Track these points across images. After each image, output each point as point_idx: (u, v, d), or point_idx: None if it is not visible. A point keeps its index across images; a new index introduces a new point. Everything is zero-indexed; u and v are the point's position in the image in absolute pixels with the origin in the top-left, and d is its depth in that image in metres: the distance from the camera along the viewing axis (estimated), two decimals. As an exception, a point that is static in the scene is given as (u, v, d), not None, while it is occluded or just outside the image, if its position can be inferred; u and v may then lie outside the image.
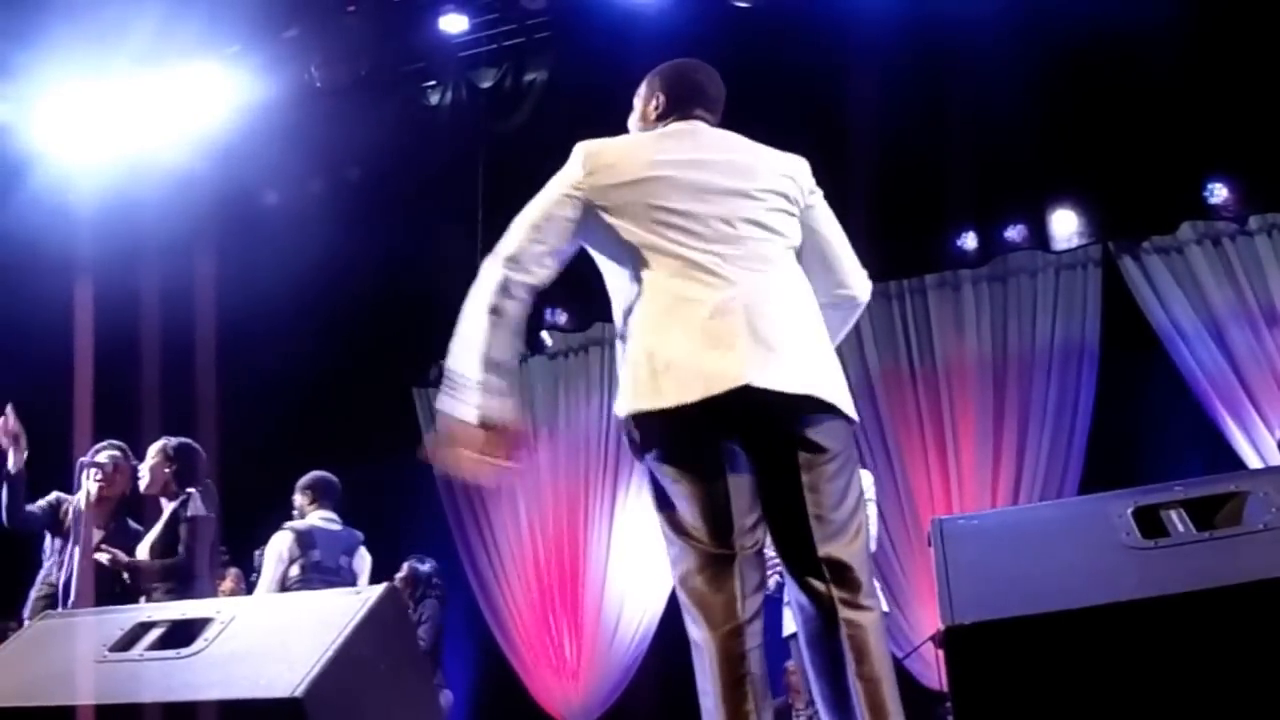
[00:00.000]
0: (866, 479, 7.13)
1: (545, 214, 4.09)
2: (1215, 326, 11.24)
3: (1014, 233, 10.78)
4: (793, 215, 4.17)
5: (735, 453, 3.91)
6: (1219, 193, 10.52)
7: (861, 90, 9.91)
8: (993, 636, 3.49)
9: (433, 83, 11.52)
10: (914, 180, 10.07)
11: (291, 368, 11.46)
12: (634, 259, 4.03)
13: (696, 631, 3.84)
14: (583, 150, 4.17)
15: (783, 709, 10.40)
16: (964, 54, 10.03)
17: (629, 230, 4.04)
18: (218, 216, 10.94)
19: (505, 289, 4.05)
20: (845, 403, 4.02)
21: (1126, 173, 10.22)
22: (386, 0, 10.83)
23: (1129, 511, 3.79)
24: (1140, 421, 11.09)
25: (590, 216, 4.07)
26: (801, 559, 3.92)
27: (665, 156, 4.13)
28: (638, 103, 4.48)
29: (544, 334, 12.21)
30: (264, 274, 10.72)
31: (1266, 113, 9.79)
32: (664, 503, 3.99)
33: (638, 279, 4.02)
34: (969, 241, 10.85)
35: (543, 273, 4.08)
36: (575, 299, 11.08)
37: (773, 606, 5.78)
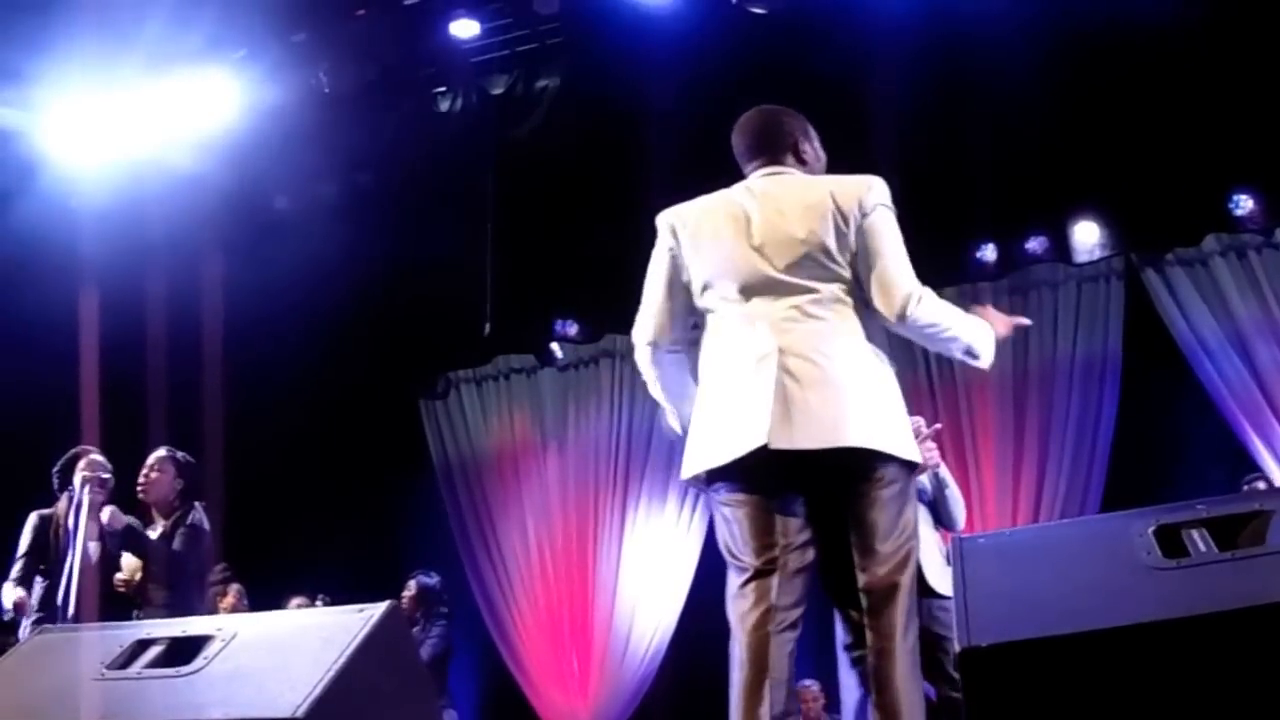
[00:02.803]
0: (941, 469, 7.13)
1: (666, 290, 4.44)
2: (1240, 340, 11.10)
3: (1035, 244, 10.66)
4: (842, 256, 4.21)
5: (781, 486, 4.11)
6: (1244, 204, 10.44)
7: (879, 99, 9.80)
8: (1010, 658, 3.42)
9: (443, 89, 11.36)
10: (933, 191, 9.83)
11: (298, 377, 11.38)
12: (699, 317, 4.38)
13: (733, 642, 4.03)
14: (660, 218, 4.47)
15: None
16: (985, 63, 9.89)
17: (693, 290, 4.35)
18: (224, 222, 10.87)
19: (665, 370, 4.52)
20: (891, 445, 4.10)
21: (1150, 184, 10.12)
22: (397, 4, 10.67)
23: (1150, 531, 3.71)
24: (1163, 437, 10.95)
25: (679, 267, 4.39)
26: (842, 588, 4.11)
27: (724, 215, 4.34)
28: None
29: (554, 346, 12.06)
30: (271, 282, 10.69)
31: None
32: (721, 530, 4.24)
33: (702, 337, 4.37)
34: (989, 253, 10.73)
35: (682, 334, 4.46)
36: (587, 310, 11.00)
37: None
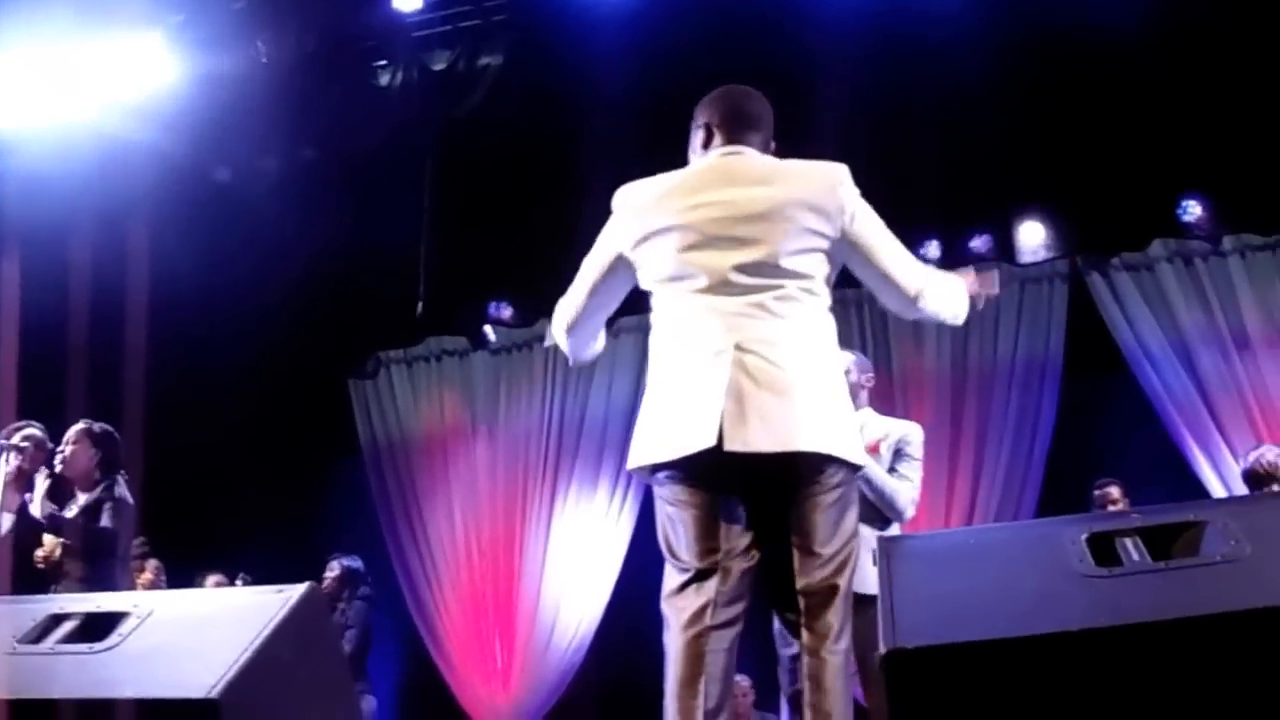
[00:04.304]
0: (915, 434, 6.89)
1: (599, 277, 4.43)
2: (1183, 348, 11.09)
3: (979, 243, 10.55)
4: (818, 250, 4.18)
5: (728, 486, 4.05)
6: (1193, 210, 10.42)
7: (827, 91, 9.66)
8: (936, 662, 3.44)
9: (384, 63, 11.16)
10: (875, 186, 9.67)
11: (226, 351, 11.18)
12: (652, 297, 4.31)
13: (667, 637, 4.01)
14: (617, 197, 4.38)
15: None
16: (935, 59, 9.84)
17: (647, 277, 4.29)
18: (156, 192, 10.63)
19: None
20: (841, 449, 4.08)
21: (1098, 186, 10.07)
22: (339, -26, 10.53)
23: (1083, 538, 3.73)
24: (1102, 444, 10.89)
25: (630, 267, 4.33)
26: (780, 589, 4.05)
27: (685, 201, 4.24)
28: (692, 131, 4.56)
29: (487, 328, 11.86)
30: (202, 255, 10.58)
31: (1243, 131, 9.65)
32: (662, 527, 4.18)
33: (655, 324, 4.29)
34: (931, 250, 10.58)
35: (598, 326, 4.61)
36: (522, 294, 10.84)
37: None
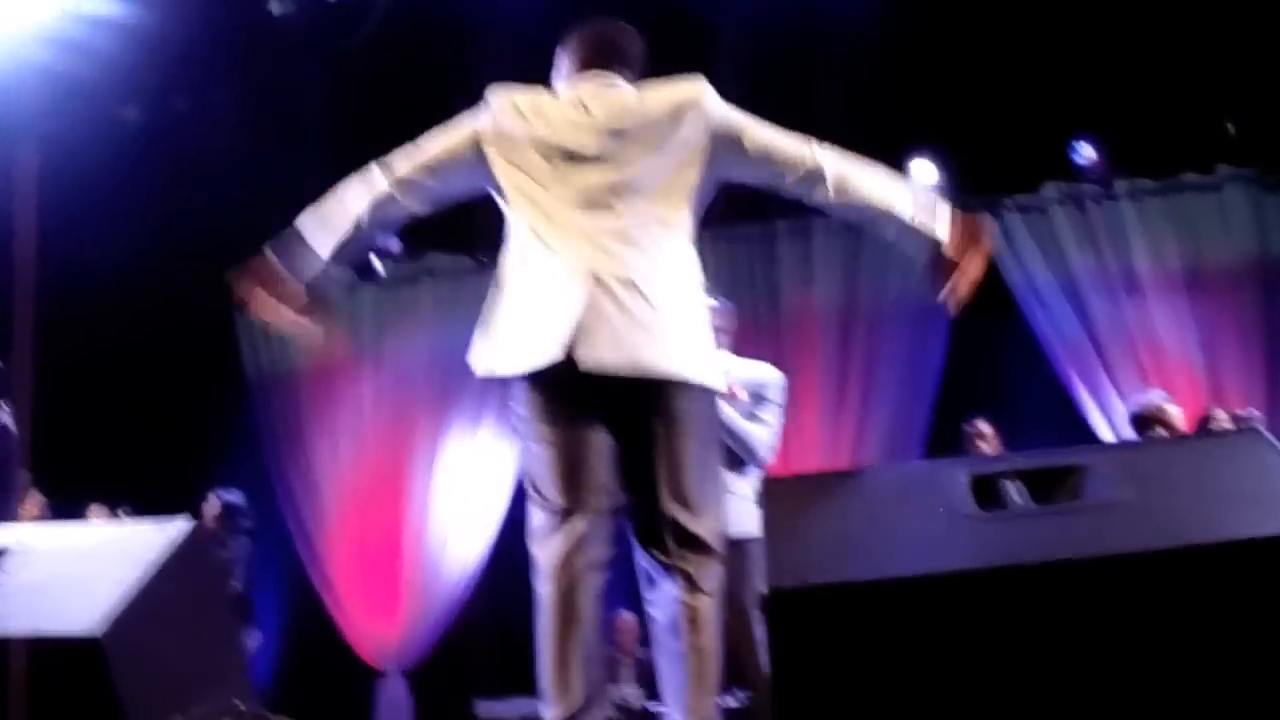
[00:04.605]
0: (775, 380, 6.52)
1: (445, 149, 4.21)
2: (1074, 292, 11.27)
3: (870, 182, 10.58)
4: (687, 167, 4.09)
5: (590, 416, 3.95)
6: (1085, 154, 10.49)
7: (717, 32, 9.68)
8: (816, 602, 3.45)
9: (275, -9, 10.99)
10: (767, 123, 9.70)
11: (113, 279, 10.97)
12: (508, 207, 4.15)
13: (538, 583, 3.91)
14: (490, 91, 4.25)
15: (610, 660, 10.14)
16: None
17: (505, 179, 4.14)
18: (49, 118, 10.41)
19: (378, 201, 4.20)
20: (702, 375, 3.98)
21: (990, 128, 10.15)
22: (224, -106, 10.32)
23: (966, 480, 3.73)
24: (991, 385, 10.93)
25: (481, 157, 4.16)
26: (650, 524, 3.95)
27: (554, 114, 4.16)
28: (558, 60, 4.47)
29: (375, 261, 11.72)
30: (94, 183, 10.27)
31: (1137, 76, 9.72)
32: (524, 463, 4.08)
33: (509, 230, 4.14)
34: (822, 191, 10.66)
35: (418, 207, 4.24)
36: (410, 227, 10.69)
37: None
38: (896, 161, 10.17)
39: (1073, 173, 10.73)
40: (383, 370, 12.62)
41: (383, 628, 12.09)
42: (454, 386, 12.13)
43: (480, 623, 11.74)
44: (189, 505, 8.79)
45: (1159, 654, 3.29)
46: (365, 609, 12.20)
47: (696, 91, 4.12)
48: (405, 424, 12.42)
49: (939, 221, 4.08)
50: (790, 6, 9.87)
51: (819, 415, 11.27)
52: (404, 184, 4.16)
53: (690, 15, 9.66)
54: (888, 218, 4.12)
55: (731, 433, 6.10)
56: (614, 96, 4.21)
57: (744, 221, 11.44)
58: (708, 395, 4.03)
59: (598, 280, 3.91)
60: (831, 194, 4.12)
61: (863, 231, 11.22)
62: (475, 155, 4.16)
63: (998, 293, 11.09)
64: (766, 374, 6.55)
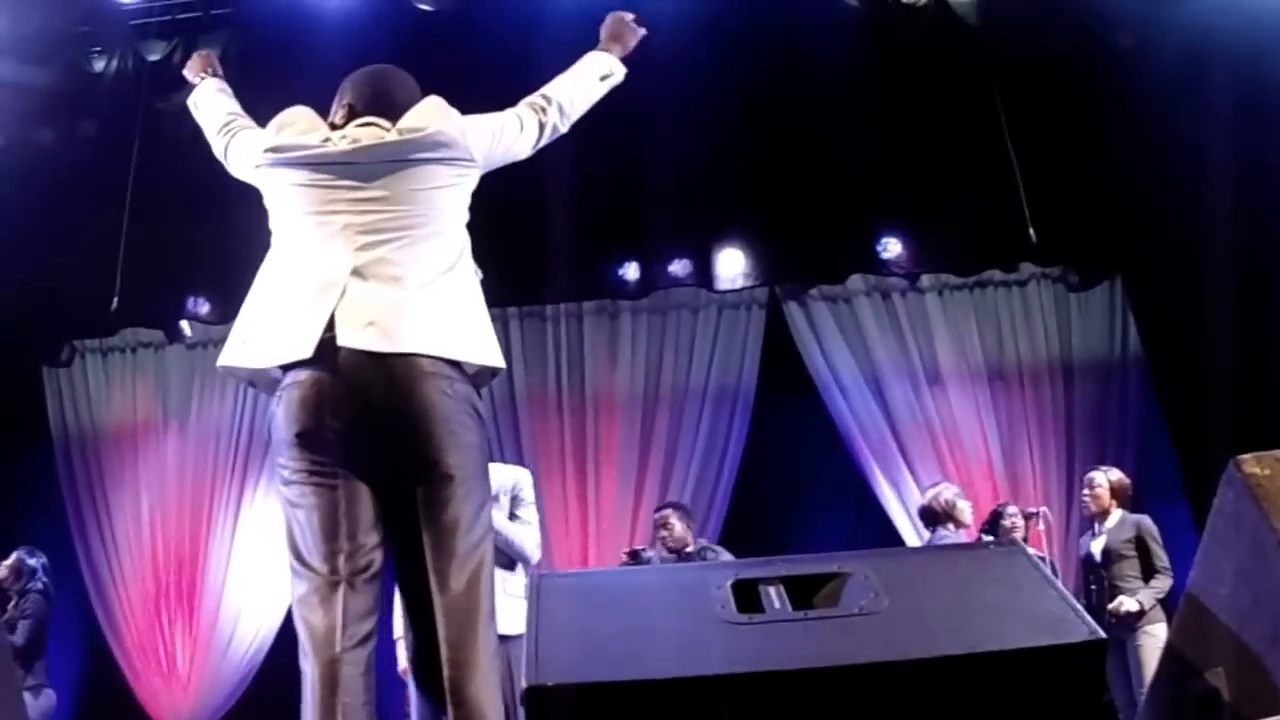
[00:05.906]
0: (526, 479, 6.84)
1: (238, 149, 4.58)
2: (875, 379, 11.43)
3: (678, 267, 10.75)
4: (449, 185, 4.19)
5: (349, 472, 3.89)
6: (891, 247, 10.64)
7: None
8: (575, 700, 3.43)
9: (99, 49, 10.93)
10: (579, 205, 9.82)
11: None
12: (273, 227, 4.22)
13: (303, 661, 3.82)
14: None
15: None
16: (645, 82, 9.85)
17: (271, 194, 4.26)
18: None
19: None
20: (467, 354, 3.98)
21: (799, 219, 10.26)
22: (60, -44, 10.25)
23: (729, 584, 3.76)
24: (790, 469, 11.10)
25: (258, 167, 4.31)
26: (416, 591, 3.92)
27: (320, 135, 4.23)
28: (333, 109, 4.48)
29: (183, 324, 11.64)
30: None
31: (943, 174, 9.89)
32: (288, 521, 3.99)
33: (271, 252, 4.16)
34: (631, 272, 10.79)
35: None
36: (219, 290, 10.67)
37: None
38: (704, 249, 10.34)
39: (879, 266, 10.85)
40: (187, 431, 12.45)
41: (175, 692, 11.88)
42: (257, 449, 12.02)
43: (270, 691, 11.59)
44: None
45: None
46: (158, 673, 11.98)
47: (443, 108, 4.29)
48: (206, 487, 12.25)
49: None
50: (614, 97, 9.96)
51: (619, 493, 11.29)
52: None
53: (506, 83, 9.70)
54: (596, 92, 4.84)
55: (501, 537, 6.20)
56: (378, 129, 4.23)
57: (552, 301, 11.55)
58: (477, 419, 4.02)
59: (358, 272, 3.94)
60: (565, 128, 4.66)
61: (667, 315, 11.47)
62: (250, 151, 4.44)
63: (801, 379, 11.25)
64: (519, 475, 6.80)
